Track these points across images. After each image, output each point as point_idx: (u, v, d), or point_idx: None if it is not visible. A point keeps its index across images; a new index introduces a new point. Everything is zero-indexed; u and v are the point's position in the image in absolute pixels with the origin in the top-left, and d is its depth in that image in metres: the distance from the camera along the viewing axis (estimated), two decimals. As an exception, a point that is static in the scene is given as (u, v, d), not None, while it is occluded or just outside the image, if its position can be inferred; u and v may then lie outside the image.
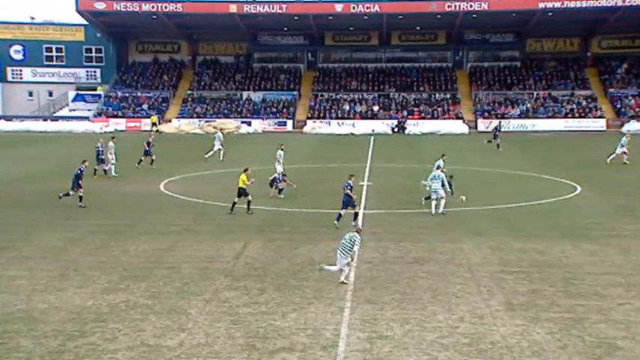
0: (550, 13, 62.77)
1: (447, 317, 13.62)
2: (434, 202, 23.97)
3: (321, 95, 70.09)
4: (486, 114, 64.61)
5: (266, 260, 17.97)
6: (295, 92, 70.66)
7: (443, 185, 24.01)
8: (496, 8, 62.51)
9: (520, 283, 15.96)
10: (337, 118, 65.55)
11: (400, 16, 65.86)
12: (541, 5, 61.87)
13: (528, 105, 65.24)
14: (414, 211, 24.42)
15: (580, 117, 62.50)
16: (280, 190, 27.28)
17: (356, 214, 22.04)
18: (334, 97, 69.53)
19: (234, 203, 23.87)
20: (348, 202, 21.70)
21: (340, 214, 21.62)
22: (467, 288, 15.51)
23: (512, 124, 62.28)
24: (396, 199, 27.01)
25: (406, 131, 62.04)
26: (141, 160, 36.35)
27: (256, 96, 70.46)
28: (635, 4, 60.16)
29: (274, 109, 68.22)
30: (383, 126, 63.12)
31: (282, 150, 31.06)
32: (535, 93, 66.75)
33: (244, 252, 18.79)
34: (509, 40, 71.21)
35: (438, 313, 13.84)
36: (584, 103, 64.36)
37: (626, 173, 33.79)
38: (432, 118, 64.90)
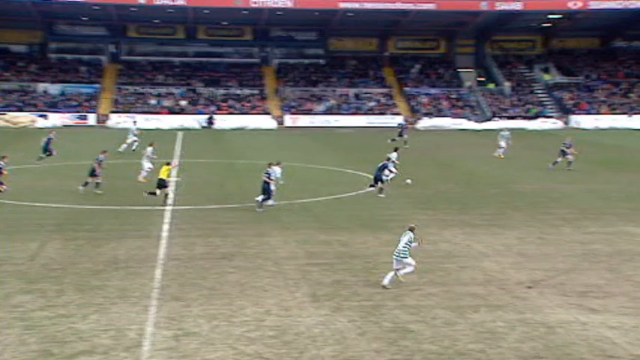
0: (350, 14, 65.44)
1: (255, 311, 13.75)
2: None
3: (126, 89, 67.78)
4: (293, 110, 66.07)
5: (65, 260, 17.05)
6: (97, 85, 67.70)
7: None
8: (300, 7, 64.01)
9: (325, 274, 16.50)
10: (143, 112, 63.71)
11: (206, 10, 65.35)
12: (342, 5, 64.25)
13: (333, 102, 67.62)
14: (224, 206, 24.39)
15: (380, 114, 65.86)
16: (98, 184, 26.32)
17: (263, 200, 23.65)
18: (140, 91, 67.55)
19: (154, 193, 24.04)
20: (268, 190, 23.57)
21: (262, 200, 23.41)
22: (274, 281, 15.77)
23: (317, 120, 64.24)
24: (205, 194, 26.82)
25: (214, 126, 61.78)
26: None
27: (54, 88, 66.55)
28: (423, 9, 64.46)
29: (74, 103, 64.88)
30: (192, 121, 62.37)
31: (152, 147, 30.77)
32: (338, 90, 69.34)
33: (40, 252, 17.71)
34: (313, 39, 73.29)
35: (245, 307, 13.92)
36: (382, 100, 67.91)
37: (423, 168, 36.11)
38: (241, 113, 65.19)
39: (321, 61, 73.55)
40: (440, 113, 65.38)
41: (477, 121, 62.52)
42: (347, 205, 25.45)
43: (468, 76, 72.80)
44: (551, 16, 67.58)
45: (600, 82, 69.48)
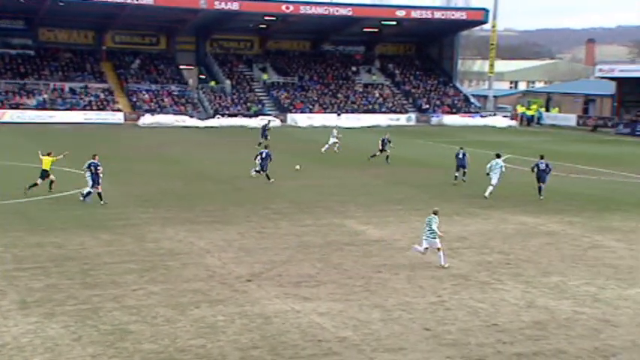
0: (61, 3, 61.75)
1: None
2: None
3: None
4: (1, 104, 60.80)
5: None
6: None
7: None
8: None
9: (36, 279, 15.43)
10: None
11: None
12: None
13: (45, 96, 63.46)
14: None
15: (99, 109, 63.26)
16: None
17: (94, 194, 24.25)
18: None
19: (36, 184, 25.33)
20: (94, 180, 24.22)
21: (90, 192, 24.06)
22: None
23: (28, 115, 59.83)
24: None
25: None
26: None
27: None
28: (141, 3, 63.28)
29: None
30: None
31: None
32: (52, 84, 65.24)
33: None
34: (20, 28, 68.03)
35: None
36: (102, 96, 65.33)
37: (147, 165, 35.37)
38: None
39: (31, 52, 68.60)
40: (162, 110, 64.72)
41: (199, 119, 62.98)
42: (64, 205, 24.07)
43: (190, 73, 73.05)
44: (266, 18, 70.43)
45: (313, 83, 74.07)
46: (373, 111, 70.73)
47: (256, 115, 65.29)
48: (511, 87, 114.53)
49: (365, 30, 76.00)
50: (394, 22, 73.32)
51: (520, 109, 76.63)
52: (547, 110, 78.47)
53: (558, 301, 15.01)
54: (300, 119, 65.93)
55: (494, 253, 19.18)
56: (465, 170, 31.19)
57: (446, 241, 20.30)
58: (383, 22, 73.65)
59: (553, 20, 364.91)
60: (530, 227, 22.60)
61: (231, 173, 32.81)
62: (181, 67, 72.76)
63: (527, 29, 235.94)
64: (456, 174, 31.35)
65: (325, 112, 68.60)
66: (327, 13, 69.32)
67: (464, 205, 26.19)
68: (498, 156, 28.81)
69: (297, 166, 29.54)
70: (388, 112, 70.96)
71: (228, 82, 70.62)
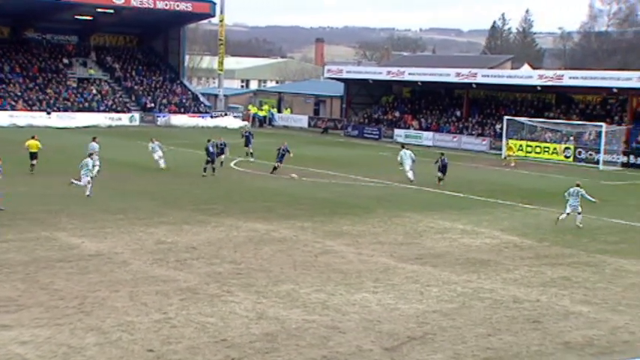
0: None
1: None
2: None
3: None
4: None
5: None
6: None
7: None
8: None
9: None
10: None
11: None
12: None
13: None
14: None
15: None
16: None
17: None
18: None
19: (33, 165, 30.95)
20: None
21: None
22: None
23: None
24: None
25: None
26: None
27: None
28: None
29: None
30: None
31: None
32: None
33: None
34: None
35: None
36: None
37: None
38: None
39: None
40: None
41: None
42: None
43: None
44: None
45: (15, 75, 69.38)
46: (90, 109, 68.32)
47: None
48: (242, 86, 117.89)
49: (77, 17, 73.08)
50: (111, 11, 71.48)
51: (252, 110, 79.08)
52: (279, 111, 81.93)
53: (289, 310, 15.68)
54: (0, 117, 61.56)
55: (224, 263, 19.50)
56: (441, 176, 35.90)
57: (174, 252, 20.28)
58: (98, 10, 71.39)
59: (283, 17, 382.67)
60: (262, 234, 23.35)
61: None
62: None
63: (257, 25, 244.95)
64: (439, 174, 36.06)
65: (32, 110, 64.78)
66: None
67: (193, 212, 26.33)
68: (403, 146, 37.56)
69: (294, 175, 32.03)
70: (108, 111, 69.13)
71: None
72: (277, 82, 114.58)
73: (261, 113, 78.05)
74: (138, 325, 14.33)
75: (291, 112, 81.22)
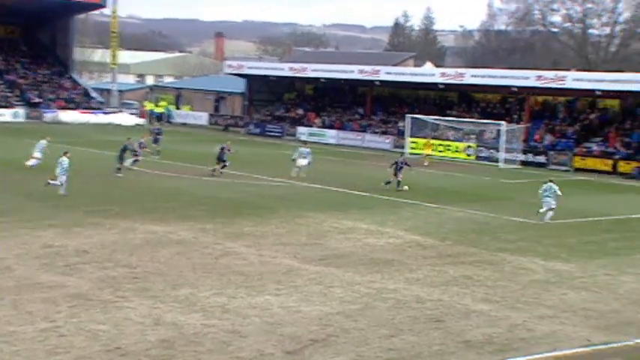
0: None
1: None
2: None
3: None
4: None
5: None
6: None
7: None
8: None
9: None
10: None
11: None
12: None
13: None
14: None
15: None
16: None
17: None
18: None
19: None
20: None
21: None
22: None
23: None
24: None
25: None
26: None
27: None
28: None
29: None
30: None
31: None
32: None
33: None
34: None
35: None
36: None
37: None
38: None
39: None
40: None
41: None
42: None
43: None
44: None
45: None
46: (-31, 105, 65.68)
47: None
48: (138, 81, 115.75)
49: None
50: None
51: (148, 106, 77.77)
52: (177, 108, 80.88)
53: (187, 315, 15.48)
54: None
55: (119, 267, 19.07)
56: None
57: (62, 256, 19.68)
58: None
59: (180, 10, 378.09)
60: (160, 236, 22.96)
61: None
62: None
63: (153, 18, 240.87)
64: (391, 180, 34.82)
65: None
66: None
67: (86, 214, 25.64)
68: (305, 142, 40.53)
69: (406, 187, 33.04)
70: (-10, 106, 66.53)
71: None
72: (175, 78, 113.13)
73: (158, 110, 76.84)
74: (21, 335, 13.82)
75: (191, 109, 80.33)
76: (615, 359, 14.29)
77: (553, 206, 28.44)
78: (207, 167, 37.95)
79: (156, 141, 44.43)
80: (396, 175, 35.02)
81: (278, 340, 14.34)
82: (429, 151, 51.23)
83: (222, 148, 38.14)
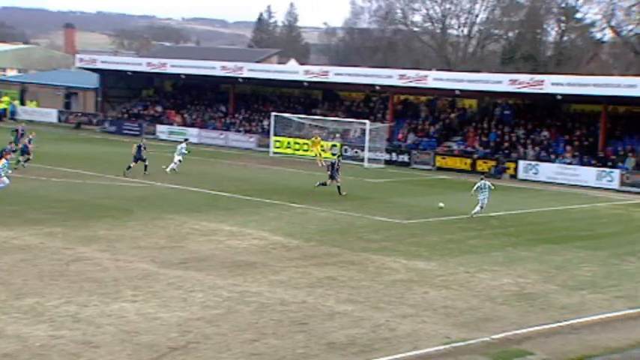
0: None
1: None
2: None
3: None
4: None
5: None
6: None
7: None
8: None
9: None
10: None
11: None
12: None
13: None
14: None
15: None
16: None
17: None
18: None
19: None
20: None
21: None
22: None
23: None
24: None
25: None
26: None
27: None
28: None
29: None
30: None
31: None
32: None
33: None
34: None
35: None
36: None
37: None
38: None
39: None
40: None
41: None
42: None
43: None
44: None
45: None
46: None
47: None
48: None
49: None
50: None
51: (-11, 102, 74.22)
52: (22, 103, 77.59)
53: (33, 327, 14.80)
54: None
55: (-45, 276, 18.03)
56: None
57: None
58: None
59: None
60: (1, 242, 21.92)
61: None
62: None
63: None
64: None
65: None
66: None
67: None
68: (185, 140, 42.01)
69: (441, 204, 31.49)
70: None
71: None
72: (19, 71, 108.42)
73: (1, 106, 73.36)
74: None
75: (38, 105, 77.23)
76: (473, 356, 14.80)
77: (486, 201, 30.55)
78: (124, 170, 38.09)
79: (16, 141, 42.52)
80: (333, 178, 34.67)
81: (134, 349, 13.96)
82: (318, 149, 49.68)
83: (140, 147, 38.02)
